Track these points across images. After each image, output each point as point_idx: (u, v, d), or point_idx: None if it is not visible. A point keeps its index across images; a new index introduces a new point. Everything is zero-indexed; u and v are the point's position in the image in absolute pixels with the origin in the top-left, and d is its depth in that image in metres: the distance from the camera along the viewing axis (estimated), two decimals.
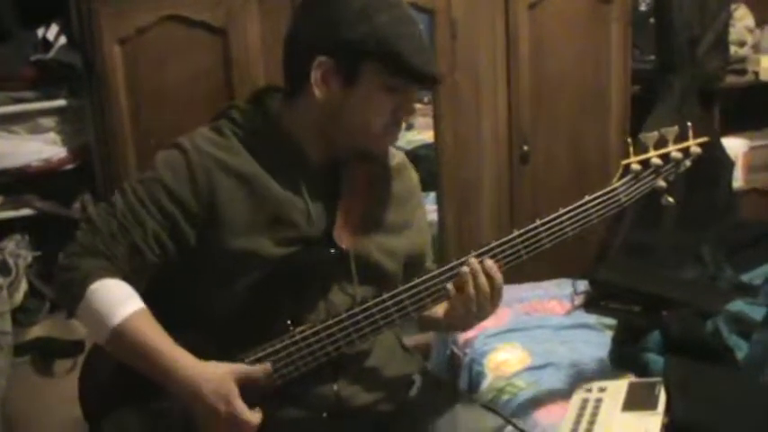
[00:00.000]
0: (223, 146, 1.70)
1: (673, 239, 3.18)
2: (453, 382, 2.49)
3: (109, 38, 2.73)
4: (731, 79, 3.63)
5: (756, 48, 3.73)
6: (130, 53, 2.77)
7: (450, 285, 1.67)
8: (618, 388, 2.04)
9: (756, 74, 3.69)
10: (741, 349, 2.12)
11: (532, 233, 1.70)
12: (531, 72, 3.16)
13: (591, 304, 2.61)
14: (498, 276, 1.67)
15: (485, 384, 2.34)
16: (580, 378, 2.20)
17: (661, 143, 1.77)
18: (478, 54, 3.10)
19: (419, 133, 4.23)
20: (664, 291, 2.44)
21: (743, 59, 3.67)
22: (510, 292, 2.81)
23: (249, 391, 1.62)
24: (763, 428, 1.89)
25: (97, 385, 1.76)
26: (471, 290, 1.66)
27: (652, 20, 3.48)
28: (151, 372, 1.62)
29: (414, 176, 1.92)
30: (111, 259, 1.65)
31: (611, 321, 2.49)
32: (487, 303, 1.68)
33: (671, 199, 1.80)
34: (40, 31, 2.89)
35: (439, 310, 1.78)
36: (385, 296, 1.66)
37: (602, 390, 2.05)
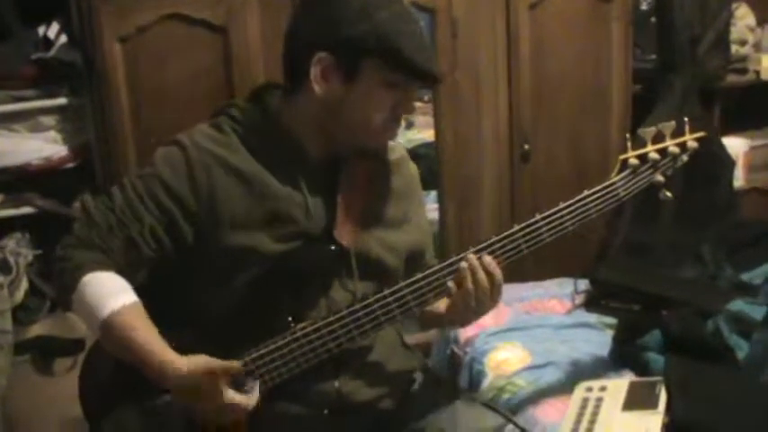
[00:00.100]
0: (222, 143, 1.71)
1: (673, 239, 3.18)
2: (454, 380, 2.49)
3: (109, 36, 2.73)
4: (732, 78, 3.62)
5: (757, 47, 3.73)
6: (131, 51, 2.77)
7: (451, 283, 1.67)
8: (618, 387, 2.03)
9: (757, 73, 3.69)
10: (741, 349, 2.13)
11: (533, 227, 1.70)
12: (531, 71, 3.16)
13: (591, 303, 2.62)
14: (497, 272, 1.67)
15: (485, 383, 2.34)
16: (581, 377, 2.20)
17: (658, 138, 1.78)
18: (479, 53, 3.10)
19: (420, 132, 4.23)
20: (664, 290, 2.45)
21: (744, 58, 3.67)
22: (510, 291, 2.81)
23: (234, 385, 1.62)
24: (763, 428, 1.89)
25: (97, 384, 1.76)
26: (470, 285, 1.66)
27: (653, 19, 3.47)
28: (140, 365, 1.61)
29: (413, 170, 1.92)
30: (107, 252, 1.66)
31: (612, 320, 2.49)
32: (487, 299, 1.68)
33: (669, 193, 1.81)
34: (41, 30, 2.89)
35: (440, 305, 1.78)
36: (386, 292, 1.66)
37: (602, 389, 2.05)
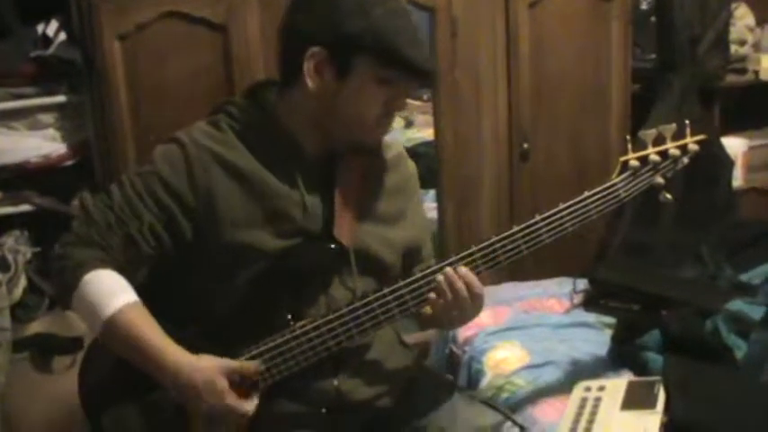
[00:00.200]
0: (220, 140, 1.71)
1: (672, 239, 3.18)
2: (452, 378, 2.49)
3: (109, 34, 2.73)
4: (731, 78, 3.63)
5: (757, 47, 3.73)
6: (130, 49, 2.76)
7: (432, 294, 1.67)
8: (617, 387, 2.04)
9: (756, 73, 3.69)
10: (740, 348, 2.13)
11: (532, 228, 1.71)
12: (531, 70, 3.15)
13: (590, 303, 2.62)
14: (474, 281, 1.68)
15: (484, 382, 2.34)
16: (579, 376, 2.20)
17: (659, 140, 1.79)
18: (479, 52, 3.09)
19: (419, 131, 4.23)
20: (663, 290, 2.45)
21: (743, 58, 3.67)
22: (509, 290, 2.83)
23: (238, 386, 1.63)
24: (761, 427, 1.89)
25: (97, 380, 1.77)
26: (449, 295, 1.66)
27: (653, 18, 3.47)
28: (143, 364, 1.63)
29: (411, 167, 1.93)
30: (106, 250, 1.66)
31: (611, 320, 2.49)
32: (468, 306, 1.68)
33: (669, 195, 1.81)
34: (40, 27, 2.89)
35: None
36: (386, 290, 1.67)
37: (601, 388, 2.05)
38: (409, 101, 4.15)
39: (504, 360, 2.38)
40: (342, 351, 1.70)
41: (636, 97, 3.35)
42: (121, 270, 1.67)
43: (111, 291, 1.64)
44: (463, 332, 2.55)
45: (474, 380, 2.40)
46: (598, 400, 2.00)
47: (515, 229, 1.71)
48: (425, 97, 3.93)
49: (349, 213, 1.75)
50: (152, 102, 2.80)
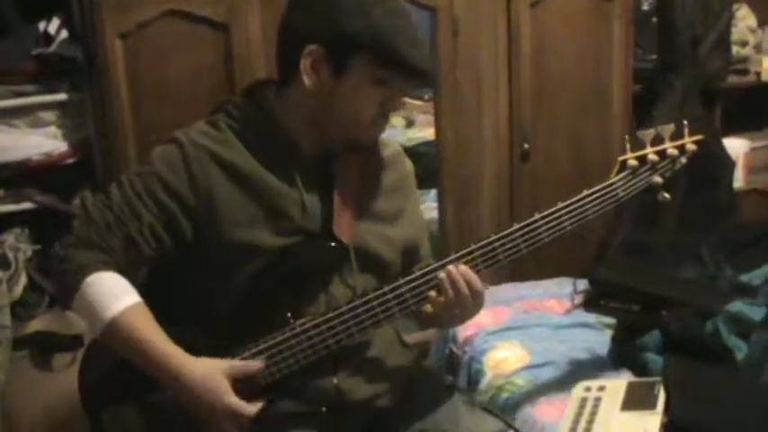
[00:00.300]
0: (219, 139, 1.71)
1: (673, 239, 3.18)
2: (452, 379, 2.49)
3: (110, 32, 2.73)
4: (733, 79, 3.63)
5: (758, 48, 3.73)
6: (132, 47, 2.76)
7: (432, 292, 1.68)
8: (617, 387, 2.04)
9: (758, 74, 3.69)
10: (740, 350, 2.13)
11: (532, 227, 1.71)
12: (532, 70, 3.15)
13: (590, 303, 2.62)
14: (474, 279, 1.68)
15: (484, 382, 2.34)
16: (579, 377, 2.20)
17: (657, 140, 1.80)
18: (480, 52, 3.09)
19: (420, 130, 4.24)
20: (663, 290, 2.45)
21: (745, 60, 3.67)
22: (510, 290, 2.84)
23: (241, 386, 1.63)
24: (761, 429, 1.89)
25: (97, 378, 1.76)
26: (450, 293, 1.66)
27: (654, 19, 3.47)
28: (144, 366, 1.63)
29: (408, 166, 1.93)
30: (107, 251, 1.66)
31: (611, 320, 2.49)
32: (469, 304, 1.69)
33: (667, 195, 1.82)
34: (42, 25, 2.89)
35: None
36: (386, 288, 1.67)
37: (601, 389, 2.05)
38: (410, 100, 4.17)
39: (505, 360, 2.38)
40: (342, 349, 1.70)
41: (637, 97, 3.35)
42: (123, 271, 1.67)
43: (112, 293, 1.64)
44: (463, 332, 2.55)
45: (474, 380, 2.40)
46: (598, 400, 2.00)
47: (515, 227, 1.71)
48: (426, 97, 3.94)
49: (348, 211, 1.75)
50: (153, 100, 2.80)
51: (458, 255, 1.69)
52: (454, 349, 2.57)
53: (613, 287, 2.59)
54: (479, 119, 3.14)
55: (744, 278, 2.56)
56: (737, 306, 2.23)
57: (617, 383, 2.06)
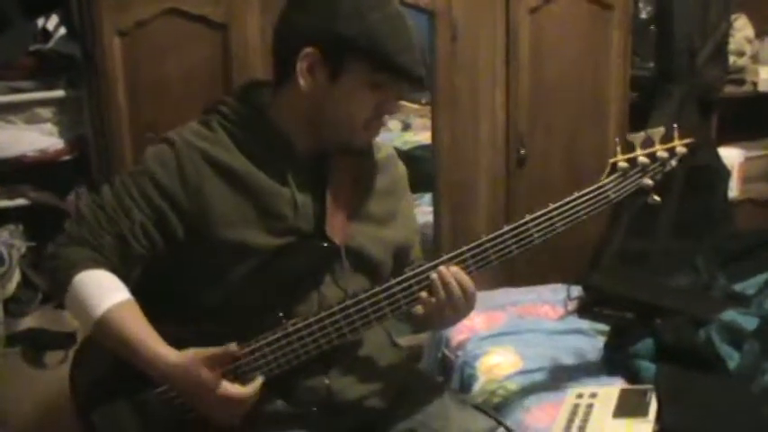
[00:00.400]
0: (211, 139, 1.72)
1: (667, 247, 3.19)
2: (445, 382, 2.48)
3: (109, 30, 2.73)
4: (729, 89, 3.64)
5: (755, 58, 3.74)
6: (130, 45, 2.76)
7: (424, 293, 1.68)
8: (609, 394, 2.04)
9: (755, 84, 3.70)
10: (732, 359, 2.13)
11: (522, 228, 1.72)
12: (530, 76, 3.16)
13: (584, 310, 2.62)
14: (466, 280, 1.68)
15: (476, 387, 2.33)
16: (572, 383, 2.20)
17: (648, 143, 1.81)
18: (478, 56, 3.10)
19: (416, 134, 4.23)
20: (657, 298, 2.45)
21: (741, 70, 3.68)
22: (503, 295, 2.83)
23: (231, 376, 1.64)
24: None
25: (89, 377, 1.76)
26: (442, 294, 1.67)
27: (652, 27, 3.48)
28: (135, 363, 1.63)
29: (401, 169, 1.93)
30: (98, 249, 1.67)
31: (605, 327, 2.49)
32: (461, 305, 1.69)
33: (657, 198, 1.83)
34: (40, 21, 2.89)
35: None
36: (377, 289, 1.67)
37: (593, 395, 2.05)
38: (407, 104, 4.16)
39: (498, 365, 2.38)
40: (333, 349, 1.70)
41: (633, 105, 3.35)
42: (114, 270, 1.68)
43: (102, 290, 1.65)
44: (456, 336, 2.55)
45: (466, 384, 2.39)
46: (590, 407, 2.00)
47: (506, 228, 1.72)
48: (423, 100, 3.93)
49: (340, 212, 1.75)
50: (150, 99, 2.80)
51: (449, 256, 1.69)
52: (447, 353, 2.57)
53: (607, 294, 2.59)
54: (476, 124, 3.14)
55: (737, 287, 2.56)
56: (731, 315, 2.23)
57: (609, 390, 2.06)
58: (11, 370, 2.71)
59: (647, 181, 1.81)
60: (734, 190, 3.66)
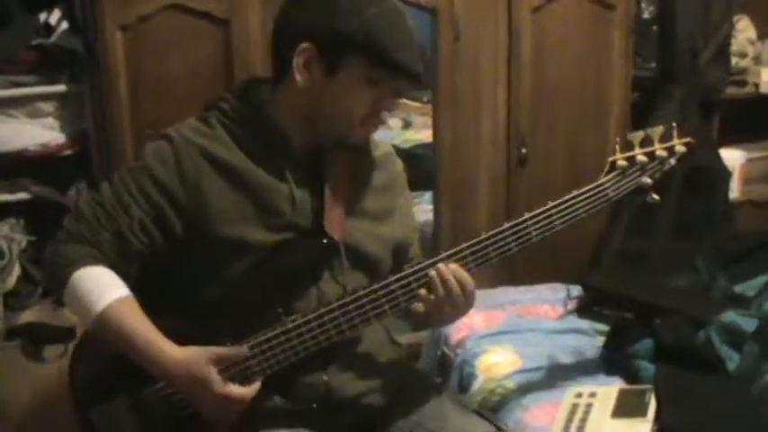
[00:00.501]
0: (209, 136, 1.72)
1: (668, 248, 3.19)
2: (443, 381, 2.49)
3: (111, 24, 2.72)
4: (731, 90, 3.63)
5: (757, 60, 3.74)
6: (132, 41, 2.75)
7: (423, 290, 1.67)
8: (608, 394, 2.04)
9: (756, 86, 3.70)
10: (732, 360, 2.13)
11: (521, 225, 1.72)
12: (531, 75, 3.15)
13: (584, 309, 2.63)
14: (465, 277, 1.68)
15: (475, 386, 2.33)
16: (571, 383, 2.20)
17: (647, 142, 1.82)
18: (480, 55, 3.09)
19: (417, 132, 4.22)
20: (656, 299, 2.45)
21: (743, 71, 3.68)
22: (503, 294, 2.83)
23: (233, 375, 1.64)
24: None
25: (87, 372, 1.76)
26: (441, 291, 1.66)
27: (655, 27, 3.48)
28: (135, 358, 1.64)
29: (398, 166, 1.94)
30: (97, 246, 1.67)
31: (604, 327, 2.49)
32: (460, 302, 1.69)
33: (656, 196, 1.84)
34: (43, 16, 2.89)
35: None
36: (375, 286, 1.67)
37: (592, 395, 2.05)
38: (408, 102, 4.16)
39: (497, 364, 2.38)
40: (332, 346, 1.70)
41: (635, 106, 3.35)
42: (112, 266, 1.68)
43: (101, 287, 1.65)
44: (455, 334, 2.55)
45: (465, 383, 2.39)
46: (589, 406, 2.00)
47: (505, 225, 1.72)
48: (425, 99, 3.92)
49: (338, 208, 1.76)
50: (152, 94, 2.80)
51: (448, 253, 1.69)
52: (446, 351, 2.57)
53: (607, 294, 2.59)
54: (477, 122, 3.14)
55: (738, 288, 2.57)
56: (730, 316, 2.24)
57: (608, 390, 2.07)
58: (10, 364, 2.71)
59: (646, 179, 1.81)
60: (735, 191, 3.66)
